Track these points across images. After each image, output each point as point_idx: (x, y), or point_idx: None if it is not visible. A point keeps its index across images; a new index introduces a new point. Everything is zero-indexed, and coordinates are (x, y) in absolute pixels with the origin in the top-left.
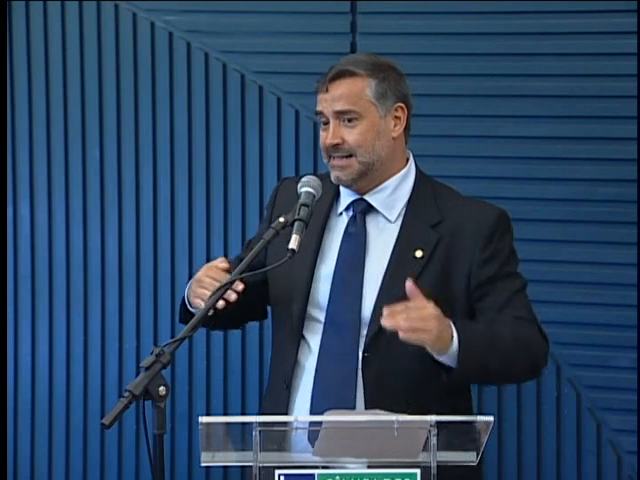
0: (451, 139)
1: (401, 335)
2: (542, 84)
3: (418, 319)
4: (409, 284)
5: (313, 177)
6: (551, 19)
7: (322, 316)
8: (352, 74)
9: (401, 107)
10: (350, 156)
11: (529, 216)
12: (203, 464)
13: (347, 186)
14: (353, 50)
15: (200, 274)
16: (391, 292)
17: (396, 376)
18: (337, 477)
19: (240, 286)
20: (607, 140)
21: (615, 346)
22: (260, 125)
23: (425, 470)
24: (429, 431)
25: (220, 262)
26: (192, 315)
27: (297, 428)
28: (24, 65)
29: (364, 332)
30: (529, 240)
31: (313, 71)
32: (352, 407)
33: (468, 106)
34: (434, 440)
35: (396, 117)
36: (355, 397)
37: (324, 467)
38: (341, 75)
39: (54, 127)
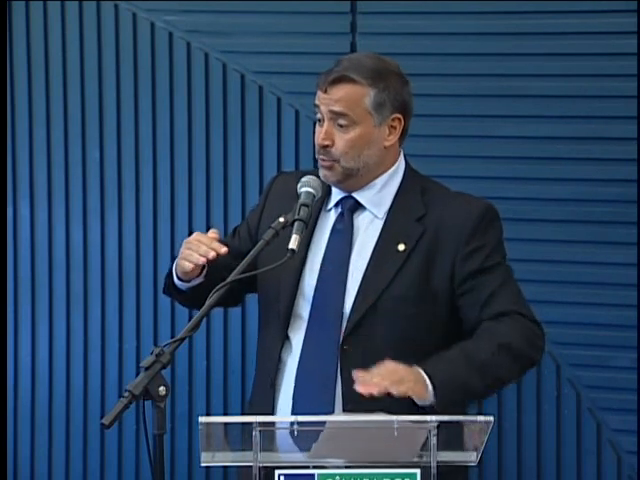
0: (451, 139)
1: (381, 390)
2: (542, 84)
3: (390, 373)
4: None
5: (313, 177)
6: (551, 19)
7: (307, 313)
8: (352, 81)
9: (398, 118)
10: (334, 160)
11: (529, 216)
12: (203, 464)
13: (334, 185)
14: (353, 50)
15: (190, 238)
16: (372, 285)
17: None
18: (337, 477)
19: (224, 249)
20: (607, 140)
21: (615, 346)
22: (260, 125)
23: (425, 470)
24: (429, 431)
25: (211, 233)
26: (175, 287)
27: (297, 429)
28: (24, 65)
29: (345, 325)
30: (529, 240)
31: (313, 71)
32: (332, 401)
33: (468, 106)
34: (434, 440)
35: (392, 127)
36: (335, 390)
37: (315, 467)
38: (342, 80)
39: (54, 127)
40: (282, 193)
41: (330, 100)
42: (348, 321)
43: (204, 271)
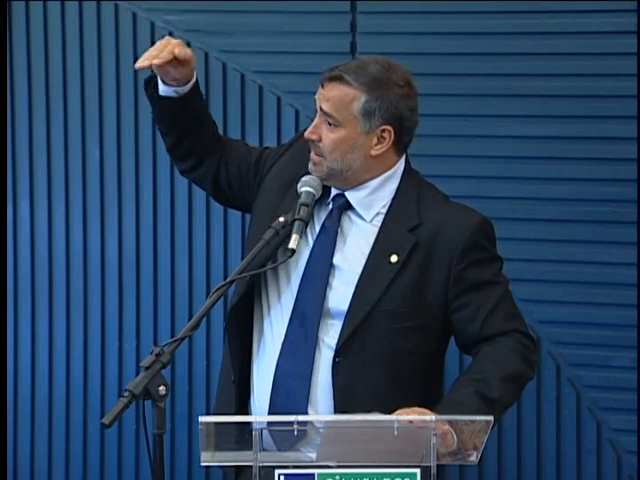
0: (451, 139)
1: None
2: (542, 84)
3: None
4: None
5: (313, 177)
6: (551, 19)
7: (290, 305)
8: (347, 83)
9: (388, 130)
10: (322, 155)
11: (529, 216)
12: (203, 464)
13: (320, 180)
14: (353, 50)
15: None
16: (364, 296)
17: (367, 381)
18: (337, 477)
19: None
20: (607, 140)
21: (615, 346)
22: (260, 125)
23: (425, 470)
24: (429, 431)
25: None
26: (159, 96)
27: (296, 429)
28: (24, 65)
29: (328, 321)
30: (529, 240)
31: (313, 71)
32: (307, 391)
33: (468, 106)
34: (434, 440)
35: (381, 137)
36: (310, 379)
37: (315, 466)
38: (337, 79)
39: (54, 127)
40: (304, 150)
41: (323, 96)
42: (341, 333)
43: (193, 77)
